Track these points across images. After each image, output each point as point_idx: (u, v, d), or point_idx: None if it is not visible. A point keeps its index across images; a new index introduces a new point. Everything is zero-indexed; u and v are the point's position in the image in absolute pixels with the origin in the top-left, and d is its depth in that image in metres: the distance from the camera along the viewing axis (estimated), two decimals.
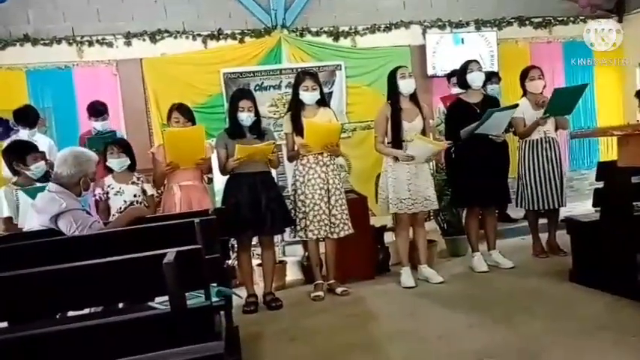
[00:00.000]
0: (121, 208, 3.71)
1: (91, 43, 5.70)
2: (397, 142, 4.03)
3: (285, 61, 6.05)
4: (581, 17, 6.85)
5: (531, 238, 4.67)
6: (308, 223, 3.94)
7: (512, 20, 6.75)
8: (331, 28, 6.26)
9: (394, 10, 6.45)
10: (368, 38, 6.36)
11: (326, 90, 4.54)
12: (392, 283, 4.22)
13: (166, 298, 1.90)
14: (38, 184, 3.51)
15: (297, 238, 4.20)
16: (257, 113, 3.89)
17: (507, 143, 4.42)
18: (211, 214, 2.96)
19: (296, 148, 3.97)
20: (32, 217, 2.88)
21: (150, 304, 2.29)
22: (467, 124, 4.14)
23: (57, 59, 5.64)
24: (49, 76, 5.63)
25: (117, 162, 3.77)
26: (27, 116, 4.62)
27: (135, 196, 3.78)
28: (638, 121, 5.55)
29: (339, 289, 4.05)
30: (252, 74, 5.92)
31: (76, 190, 2.89)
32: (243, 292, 3.90)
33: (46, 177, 3.53)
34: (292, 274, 4.60)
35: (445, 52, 6.41)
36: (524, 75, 4.51)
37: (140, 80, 5.79)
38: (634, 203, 3.55)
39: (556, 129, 4.49)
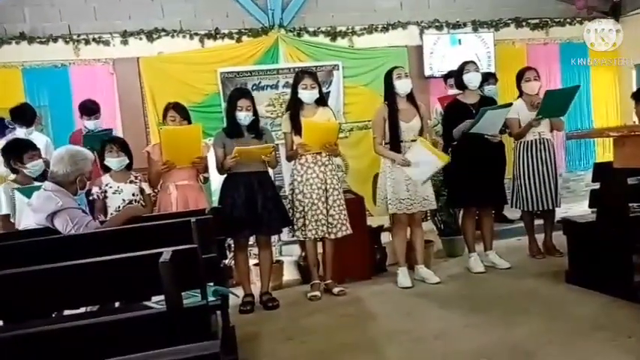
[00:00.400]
0: (119, 207, 3.69)
1: (87, 42, 5.70)
2: (395, 142, 4.03)
3: (282, 61, 6.05)
4: (577, 19, 6.89)
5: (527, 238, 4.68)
6: (306, 222, 3.93)
7: (509, 21, 6.77)
8: (329, 28, 6.26)
9: (391, 11, 6.46)
10: (365, 38, 6.38)
11: (323, 90, 4.55)
12: (389, 283, 4.22)
13: (162, 297, 1.90)
14: (36, 183, 3.50)
15: (294, 238, 4.20)
16: (255, 113, 3.89)
17: (504, 144, 4.44)
18: (208, 214, 2.96)
19: (294, 148, 3.97)
20: (28, 216, 2.87)
21: (146, 303, 2.28)
22: None
23: (53, 57, 5.64)
24: (46, 75, 5.62)
25: (116, 161, 3.75)
26: (24, 114, 4.60)
27: (133, 194, 3.76)
28: (634, 122, 5.57)
29: (335, 289, 4.04)
30: (249, 74, 5.92)
31: (72, 188, 2.88)
32: (240, 291, 3.89)
33: (44, 176, 3.52)
34: (289, 273, 4.60)
35: (442, 53, 6.43)
36: (520, 76, 4.51)
37: (137, 79, 5.79)
38: (630, 204, 3.55)
39: (551, 130, 4.51)
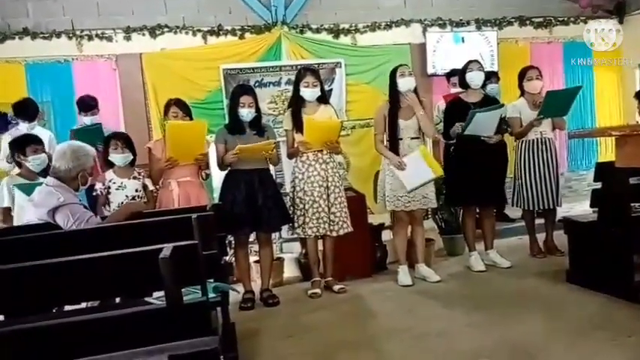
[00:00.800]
0: (122, 202, 3.67)
1: (90, 38, 5.68)
2: (393, 139, 4.02)
3: (285, 58, 6.04)
4: (581, 18, 6.85)
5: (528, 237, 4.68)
6: (307, 220, 3.93)
7: (513, 20, 6.74)
8: (331, 26, 6.24)
9: (395, 9, 6.44)
10: (368, 36, 6.35)
11: (325, 87, 4.54)
12: (389, 281, 4.22)
13: (163, 293, 1.90)
14: (41, 179, 3.50)
15: (295, 235, 4.20)
16: (258, 109, 3.89)
17: (506, 143, 4.43)
18: (209, 210, 2.96)
19: (296, 145, 3.97)
20: (29, 211, 2.88)
21: (146, 299, 2.29)
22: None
23: (56, 53, 5.62)
24: (48, 70, 5.61)
25: (121, 157, 3.74)
26: (26, 109, 4.61)
27: (136, 190, 3.76)
28: (637, 122, 5.55)
29: (336, 287, 4.05)
30: (251, 70, 5.90)
31: (74, 184, 2.89)
32: (240, 288, 3.89)
33: (47, 171, 3.53)
34: (290, 271, 4.60)
35: (445, 51, 6.40)
36: (522, 75, 4.51)
37: (139, 75, 5.78)
38: (632, 204, 3.55)
39: (553, 129, 4.50)
